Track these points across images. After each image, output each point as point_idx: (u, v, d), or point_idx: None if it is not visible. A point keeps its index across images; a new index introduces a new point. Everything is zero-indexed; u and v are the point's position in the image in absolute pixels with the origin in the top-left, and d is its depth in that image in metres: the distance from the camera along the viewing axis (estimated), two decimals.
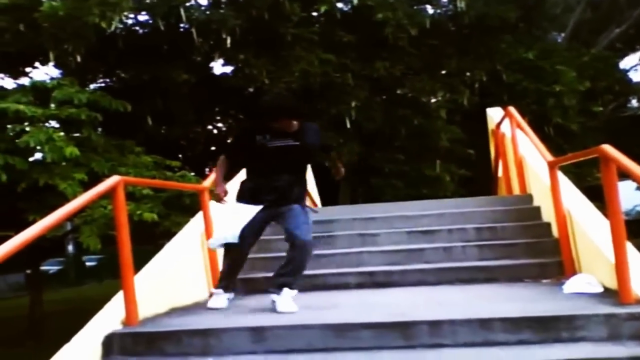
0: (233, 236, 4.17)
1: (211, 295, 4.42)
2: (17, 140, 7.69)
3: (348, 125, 12.29)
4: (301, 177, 4.37)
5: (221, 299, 4.31)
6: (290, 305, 3.98)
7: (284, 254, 5.53)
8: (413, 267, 5.00)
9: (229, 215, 4.31)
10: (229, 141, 4.80)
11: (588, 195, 4.99)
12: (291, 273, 4.13)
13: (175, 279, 4.51)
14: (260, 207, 4.22)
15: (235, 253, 4.29)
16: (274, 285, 4.11)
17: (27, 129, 7.94)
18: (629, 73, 17.33)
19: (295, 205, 4.22)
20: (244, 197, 4.32)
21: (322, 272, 5.13)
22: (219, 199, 4.49)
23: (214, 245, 4.40)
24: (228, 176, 4.78)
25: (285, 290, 4.05)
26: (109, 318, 3.70)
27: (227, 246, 4.28)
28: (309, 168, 4.64)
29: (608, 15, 16.80)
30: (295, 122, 4.19)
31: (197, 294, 4.72)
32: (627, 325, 3.11)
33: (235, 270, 4.40)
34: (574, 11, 16.50)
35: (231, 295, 4.39)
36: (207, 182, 5.29)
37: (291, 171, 4.25)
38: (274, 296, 4.07)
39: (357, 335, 3.33)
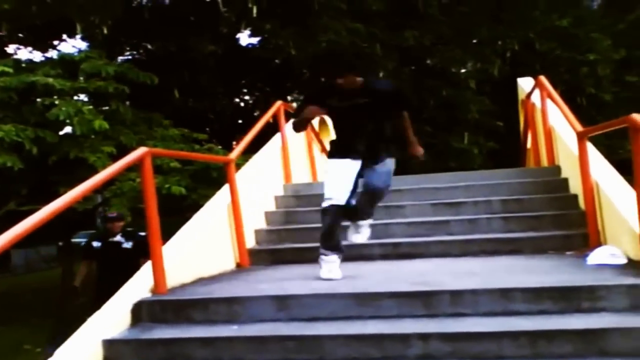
0: (339, 199, 4.06)
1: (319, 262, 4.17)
2: (46, 114, 7.81)
3: None
4: (383, 131, 4.19)
5: (335, 265, 4.10)
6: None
7: (310, 225, 5.63)
8: (437, 239, 5.00)
9: (332, 175, 4.15)
10: (297, 106, 4.53)
11: (619, 168, 4.91)
12: (364, 213, 4.31)
13: (202, 249, 4.59)
14: (355, 161, 4.12)
15: (339, 212, 4.11)
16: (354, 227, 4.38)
17: (56, 102, 8.06)
18: None
19: (388, 160, 4.17)
20: (335, 153, 4.23)
21: (347, 243, 5.16)
22: (313, 113, 4.21)
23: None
24: None
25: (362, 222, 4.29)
26: (138, 287, 3.80)
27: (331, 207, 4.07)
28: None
29: None
30: (358, 79, 4.03)
31: (223, 264, 4.81)
32: None
33: (337, 230, 4.21)
34: None
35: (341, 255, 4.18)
36: (233, 154, 5.34)
37: (370, 130, 4.12)
38: (354, 236, 4.41)
39: (379, 304, 3.38)
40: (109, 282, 6.13)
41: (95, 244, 6.92)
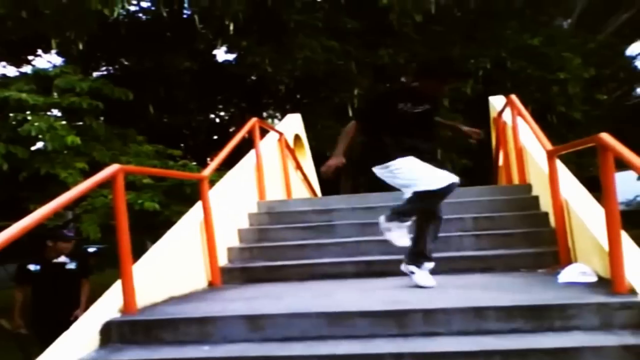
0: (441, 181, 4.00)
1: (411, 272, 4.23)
2: (18, 129, 7.70)
3: (350, 114, 12.28)
4: (436, 143, 4.34)
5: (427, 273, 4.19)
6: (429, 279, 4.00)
7: (283, 242, 5.61)
8: None
9: (418, 167, 4.04)
10: (362, 107, 4.40)
11: (589, 185, 4.98)
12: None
13: (174, 267, 4.53)
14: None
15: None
16: (412, 260, 4.17)
17: (29, 117, 7.95)
18: (635, 60, 17.17)
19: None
20: (404, 151, 4.07)
21: (320, 261, 5.16)
22: (328, 171, 4.08)
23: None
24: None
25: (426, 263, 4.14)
26: (107, 306, 3.74)
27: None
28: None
29: (615, 0, 16.60)
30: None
31: (195, 283, 4.75)
32: (619, 314, 3.13)
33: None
34: None
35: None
36: (207, 171, 5.30)
37: (428, 137, 4.21)
38: (412, 268, 4.18)
39: (352, 323, 3.37)
40: (52, 309, 5.77)
41: (33, 267, 6.09)
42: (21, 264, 6.21)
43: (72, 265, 6.15)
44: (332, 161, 4.10)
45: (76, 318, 5.88)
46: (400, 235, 4.20)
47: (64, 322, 5.60)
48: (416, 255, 4.22)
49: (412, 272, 4.19)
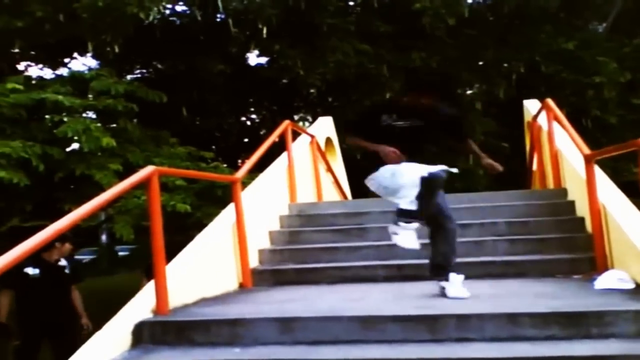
0: None
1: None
2: (55, 131, 7.85)
3: None
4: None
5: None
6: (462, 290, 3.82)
7: (314, 245, 5.61)
8: None
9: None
10: (354, 122, 4.19)
11: (624, 190, 4.87)
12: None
13: (206, 269, 4.56)
14: None
15: None
16: (435, 274, 4.03)
17: (65, 119, 8.10)
18: None
19: None
20: None
21: (352, 264, 5.14)
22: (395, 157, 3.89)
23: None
24: None
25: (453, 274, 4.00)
26: (139, 307, 3.76)
27: None
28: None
29: None
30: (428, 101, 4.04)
31: (226, 285, 4.77)
32: None
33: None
34: (616, 0, 16.02)
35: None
36: (240, 174, 5.32)
37: (412, 153, 3.94)
38: (442, 283, 4.03)
39: (383, 328, 3.34)
40: (41, 316, 5.60)
41: (31, 270, 5.76)
42: (16, 265, 6.00)
43: (67, 270, 6.08)
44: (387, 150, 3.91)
45: (87, 327, 5.83)
46: (407, 237, 3.98)
47: (50, 330, 5.54)
48: (436, 268, 4.10)
49: (443, 287, 4.00)
